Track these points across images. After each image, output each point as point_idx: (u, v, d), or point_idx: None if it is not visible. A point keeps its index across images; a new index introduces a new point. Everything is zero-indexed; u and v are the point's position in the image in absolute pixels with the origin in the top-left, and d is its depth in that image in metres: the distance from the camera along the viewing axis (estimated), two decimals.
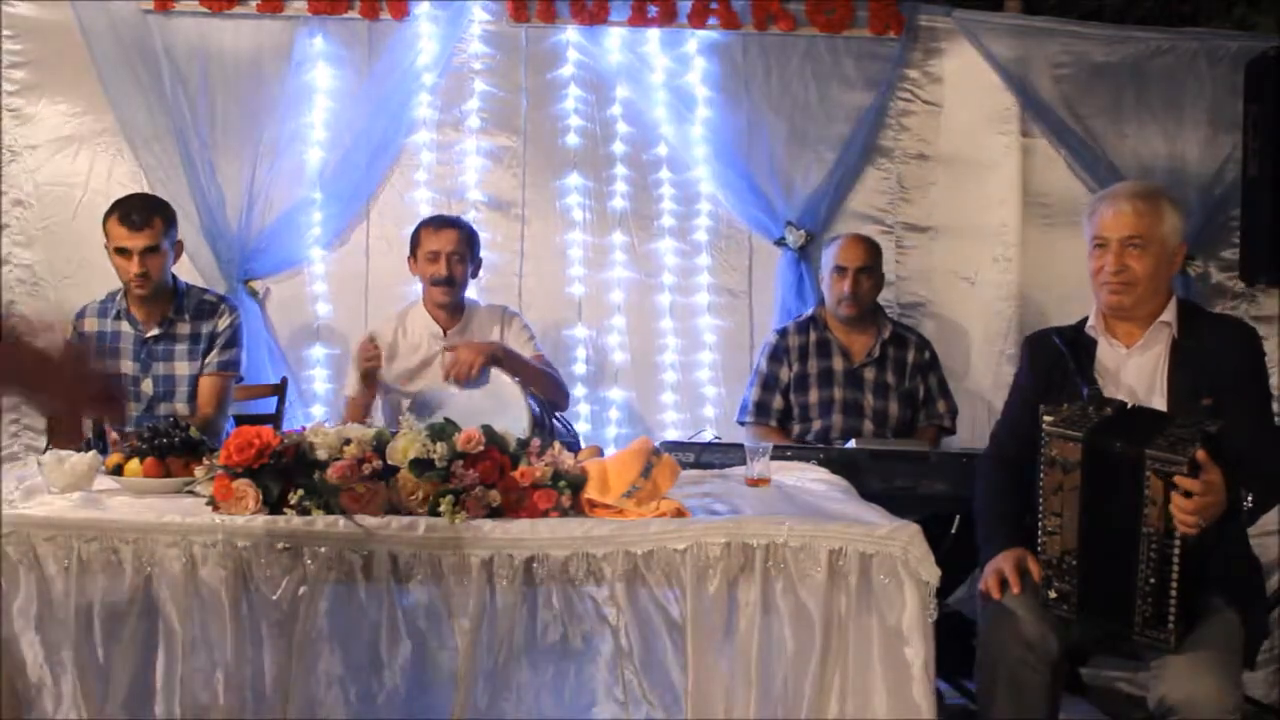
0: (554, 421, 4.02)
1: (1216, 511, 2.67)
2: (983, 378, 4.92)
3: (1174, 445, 2.66)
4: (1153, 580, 2.71)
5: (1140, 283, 3.10)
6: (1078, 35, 4.94)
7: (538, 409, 3.75)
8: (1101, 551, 2.82)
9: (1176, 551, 2.68)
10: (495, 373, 3.82)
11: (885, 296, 4.79)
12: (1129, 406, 2.97)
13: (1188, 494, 2.64)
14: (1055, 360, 3.21)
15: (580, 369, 4.95)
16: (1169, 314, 3.13)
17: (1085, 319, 3.24)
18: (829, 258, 4.45)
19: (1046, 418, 2.87)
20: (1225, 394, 2.98)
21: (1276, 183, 4.27)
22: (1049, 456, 2.85)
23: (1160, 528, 2.68)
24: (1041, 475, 2.88)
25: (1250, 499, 2.83)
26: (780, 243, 4.88)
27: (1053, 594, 2.90)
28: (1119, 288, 3.12)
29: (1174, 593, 2.70)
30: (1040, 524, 2.90)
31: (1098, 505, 2.80)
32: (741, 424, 4.54)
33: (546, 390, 4.07)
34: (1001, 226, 4.97)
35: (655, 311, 5.00)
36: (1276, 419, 3.53)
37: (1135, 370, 3.12)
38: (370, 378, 4.13)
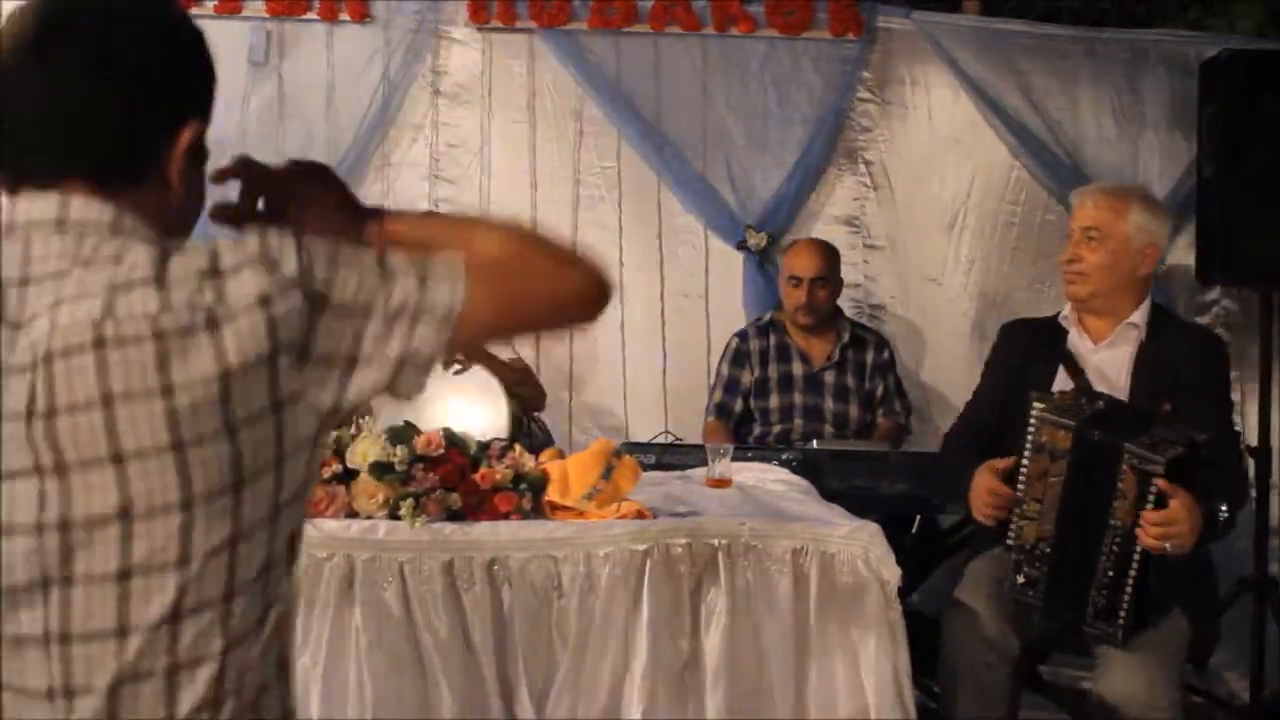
0: (533, 426, 4.02)
1: (1186, 541, 2.68)
2: (948, 378, 4.93)
3: (1155, 445, 2.68)
4: (1111, 573, 2.74)
5: (1092, 275, 3.14)
6: (1036, 36, 4.96)
7: (518, 413, 3.73)
8: (1074, 541, 2.84)
9: (1138, 550, 2.70)
10: (476, 375, 3.77)
11: (853, 297, 4.80)
12: (1120, 402, 3.00)
13: (1161, 503, 2.65)
14: (1029, 347, 3.28)
15: (540, 372, 4.92)
16: (1139, 316, 3.16)
17: (1060, 311, 3.30)
18: (784, 266, 4.44)
19: (1038, 405, 2.89)
20: (1186, 400, 3.02)
21: (1230, 184, 4.30)
22: (1037, 442, 2.87)
23: (1128, 523, 2.70)
24: (1026, 461, 2.89)
25: (1225, 509, 2.85)
26: (741, 246, 4.87)
27: (1020, 579, 2.91)
28: (1072, 277, 3.19)
29: (1129, 589, 2.72)
30: (1019, 509, 2.91)
31: (1079, 496, 2.83)
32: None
33: (519, 384, 4.05)
34: (965, 228, 4.98)
35: (611, 314, 4.95)
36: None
37: (1100, 366, 3.16)
38: None
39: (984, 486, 3.00)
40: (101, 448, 1.13)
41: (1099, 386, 3.13)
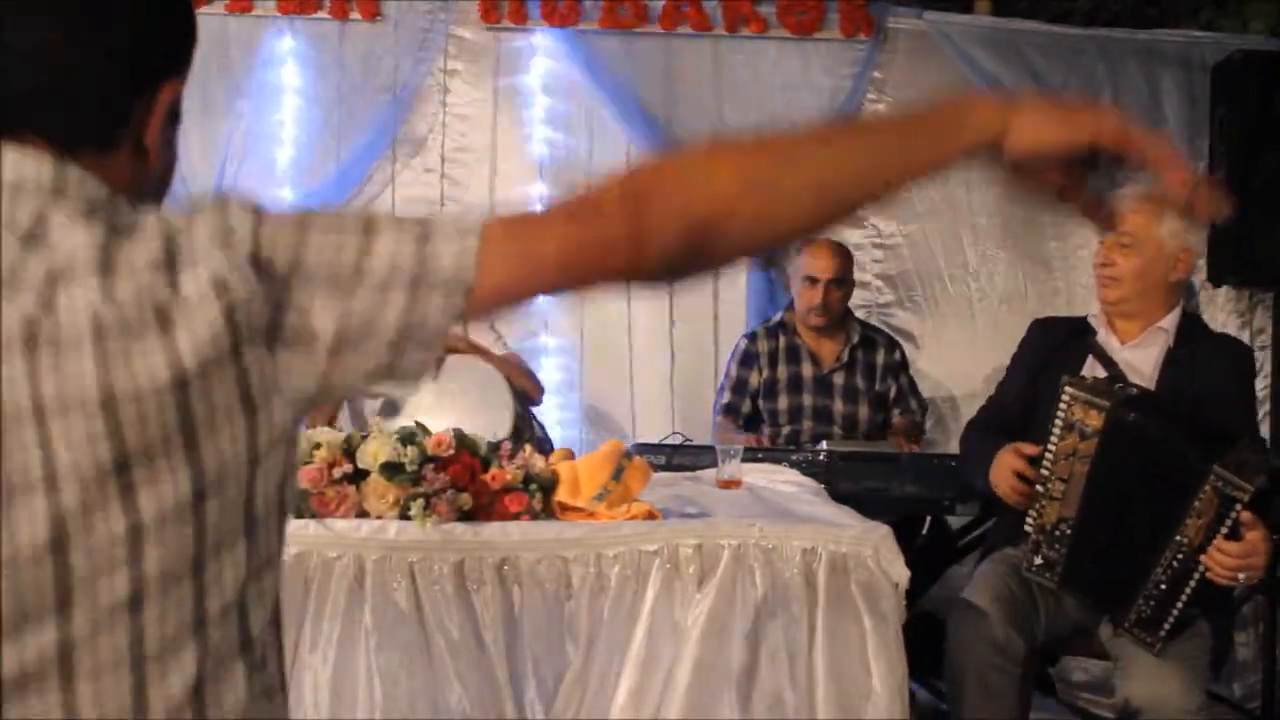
0: (533, 420, 4.02)
1: (1258, 574, 2.71)
2: (959, 379, 4.93)
3: (1241, 469, 2.67)
4: (1164, 586, 2.74)
5: (1124, 280, 3.15)
6: (1049, 36, 4.96)
7: (522, 409, 3.74)
8: (1102, 528, 2.85)
9: (1200, 569, 2.70)
10: (481, 372, 3.77)
11: (864, 298, 4.79)
12: (1154, 394, 3.01)
13: (1235, 530, 2.66)
14: (1058, 343, 3.29)
15: (545, 375, 4.92)
16: (1168, 322, 3.17)
17: (1090, 311, 3.35)
18: (799, 266, 4.43)
19: (1070, 385, 2.90)
20: (1212, 407, 3.02)
21: (1243, 185, 4.29)
22: (1068, 420, 2.88)
23: (1195, 542, 2.70)
24: (1054, 441, 2.90)
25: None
26: None
27: (1038, 560, 2.92)
28: (1105, 281, 3.21)
29: (1180, 606, 2.73)
30: (1043, 487, 2.92)
31: (1108, 479, 2.84)
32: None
33: (522, 382, 4.06)
34: (977, 228, 4.97)
35: (619, 316, 4.98)
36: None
37: (1127, 365, 3.17)
38: None
39: (1008, 464, 3.04)
40: (31, 472, 0.94)
41: None
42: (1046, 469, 2.92)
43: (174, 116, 1.15)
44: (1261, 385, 4.69)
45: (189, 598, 0.99)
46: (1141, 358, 3.17)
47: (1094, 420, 2.85)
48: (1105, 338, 3.23)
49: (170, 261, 0.97)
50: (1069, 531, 2.89)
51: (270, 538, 1.05)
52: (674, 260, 1.07)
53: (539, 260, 1.06)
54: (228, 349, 0.97)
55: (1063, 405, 2.90)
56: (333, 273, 1.01)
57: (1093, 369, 3.15)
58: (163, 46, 1.12)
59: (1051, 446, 2.91)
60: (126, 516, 0.95)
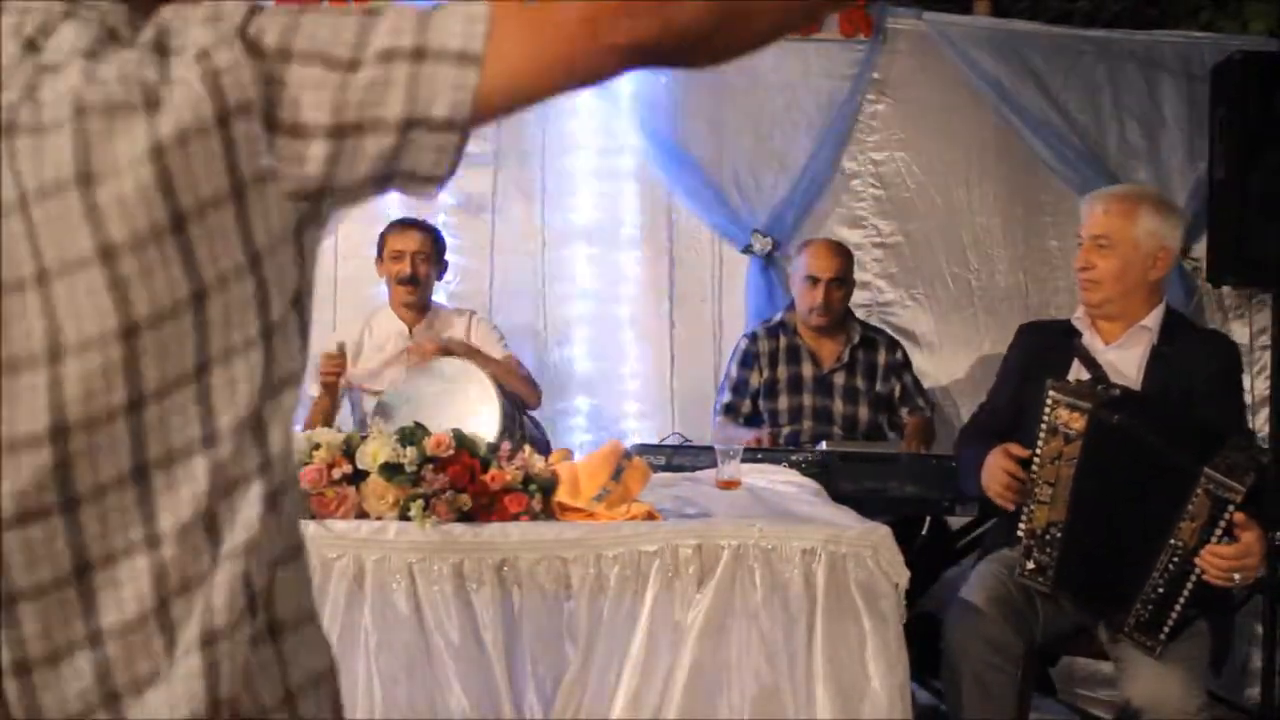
0: (525, 421, 4.02)
1: (1254, 574, 2.71)
2: (960, 379, 4.93)
3: (1232, 470, 2.67)
4: (1161, 589, 2.74)
5: (1105, 281, 3.15)
6: (1049, 37, 4.95)
7: (510, 409, 3.73)
8: (1091, 531, 2.85)
9: (1197, 572, 2.70)
10: (467, 373, 3.78)
11: (865, 297, 4.79)
12: (1136, 393, 3.01)
13: (1230, 530, 2.66)
14: (1043, 346, 3.30)
15: (545, 375, 4.93)
16: (1152, 320, 3.17)
17: (1075, 313, 3.34)
18: (800, 265, 4.43)
19: (1053, 388, 2.91)
20: (1199, 403, 3.02)
21: (1243, 185, 4.29)
22: (1051, 424, 2.89)
23: (1190, 544, 2.70)
24: (1040, 444, 2.91)
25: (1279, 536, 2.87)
26: (747, 250, 4.87)
27: (1030, 565, 2.92)
28: (1086, 284, 3.22)
29: (1179, 607, 2.73)
30: (1031, 494, 2.93)
31: (1094, 481, 2.84)
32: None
33: (517, 386, 4.07)
34: (976, 228, 4.97)
35: (620, 318, 4.98)
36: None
37: (1112, 364, 3.17)
38: (331, 389, 4.12)
39: (998, 465, 3.05)
40: (22, 266, 0.85)
41: None
42: (1034, 473, 2.93)
43: None
44: (1262, 385, 4.71)
45: (193, 405, 0.89)
46: (1126, 358, 3.18)
47: (1077, 423, 2.85)
48: (1090, 339, 3.24)
49: (161, 47, 0.89)
50: (1059, 535, 2.89)
51: (290, 352, 0.95)
52: (704, 24, 0.95)
53: (559, 27, 0.95)
54: (210, 117, 0.87)
55: (1046, 409, 2.90)
56: (327, 50, 0.91)
57: (1078, 371, 3.16)
58: None
59: (1038, 451, 2.92)
60: (118, 313, 0.86)
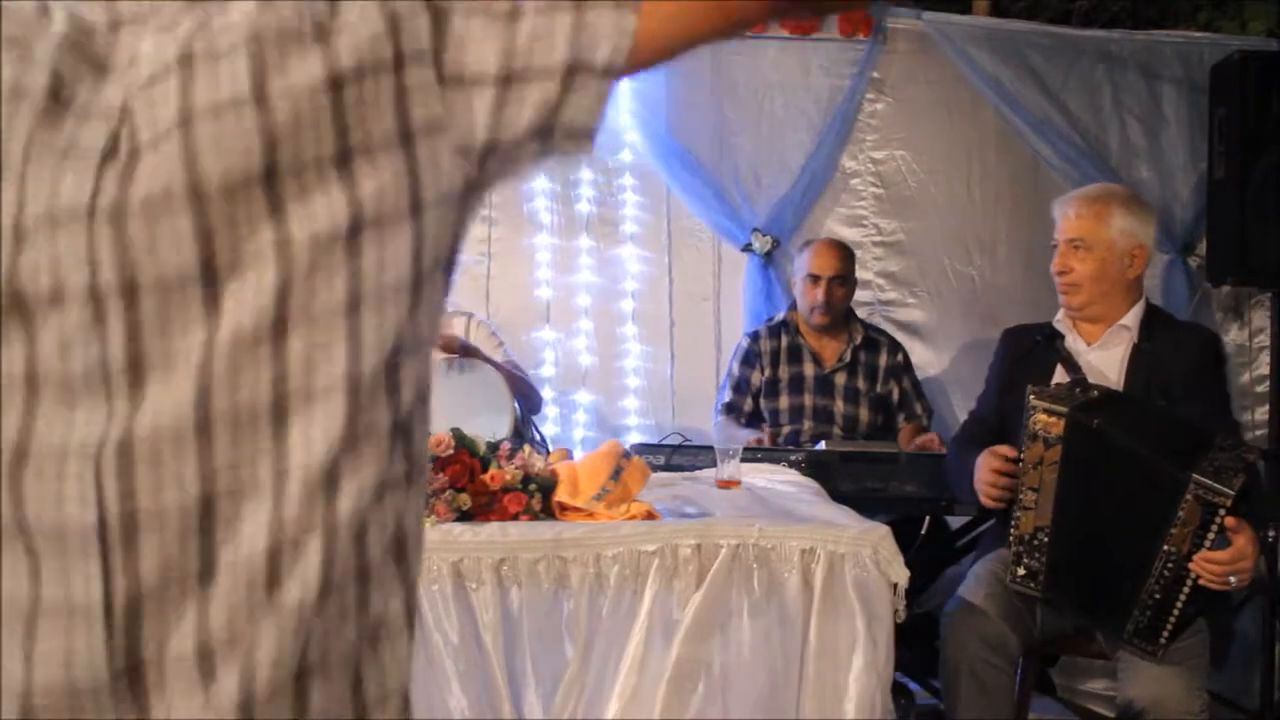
0: (533, 427, 4.02)
1: (1248, 576, 2.71)
2: (961, 377, 4.92)
3: (1219, 472, 2.67)
4: (1158, 595, 2.74)
5: (1084, 284, 3.17)
6: (1048, 37, 4.95)
7: (520, 414, 3.74)
8: (1078, 535, 2.85)
9: (1192, 577, 2.70)
10: (481, 374, 3.77)
11: (865, 297, 4.79)
12: (1116, 392, 3.02)
13: (1222, 533, 2.66)
14: (1027, 351, 3.31)
15: (547, 372, 4.93)
16: (1131, 318, 3.18)
17: (1056, 315, 3.34)
18: (802, 264, 4.43)
19: (1033, 394, 2.91)
20: (1184, 397, 3.03)
21: (1242, 185, 4.29)
22: (1031, 430, 2.89)
23: (1183, 550, 2.70)
24: (1023, 450, 2.91)
25: (1273, 534, 2.87)
26: (747, 249, 4.87)
27: (1021, 571, 2.92)
28: (1065, 288, 3.24)
29: (1177, 613, 2.73)
30: (1017, 500, 2.93)
31: (1076, 485, 2.84)
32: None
33: (519, 389, 4.07)
34: (977, 227, 4.97)
35: (620, 315, 4.98)
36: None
37: (1094, 365, 3.18)
38: None
39: (987, 466, 3.07)
40: (178, 181, 0.82)
41: None
42: (1019, 479, 2.94)
43: None
44: (1262, 385, 4.71)
45: (341, 345, 0.86)
46: (1107, 358, 3.19)
47: (1056, 427, 2.86)
48: (1073, 342, 3.25)
49: None
50: (1046, 540, 2.89)
51: (431, 313, 0.92)
52: None
53: None
54: (389, 58, 0.86)
55: (1026, 414, 2.91)
56: (493, 5, 0.89)
57: (1062, 375, 3.16)
58: None
59: (1021, 457, 2.92)
60: (275, 232, 0.83)
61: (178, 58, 0.83)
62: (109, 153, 0.84)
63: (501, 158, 0.91)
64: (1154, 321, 3.23)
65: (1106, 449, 2.81)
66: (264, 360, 0.84)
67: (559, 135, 0.92)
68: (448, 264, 0.93)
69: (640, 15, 0.89)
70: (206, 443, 0.83)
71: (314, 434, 0.85)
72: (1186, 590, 2.72)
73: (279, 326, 0.84)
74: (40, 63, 0.86)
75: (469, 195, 0.92)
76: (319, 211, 0.83)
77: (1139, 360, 3.15)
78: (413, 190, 0.87)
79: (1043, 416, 2.88)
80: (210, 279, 0.83)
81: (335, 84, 0.84)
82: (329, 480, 0.86)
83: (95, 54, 0.87)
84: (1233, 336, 4.81)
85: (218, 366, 0.83)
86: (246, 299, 0.83)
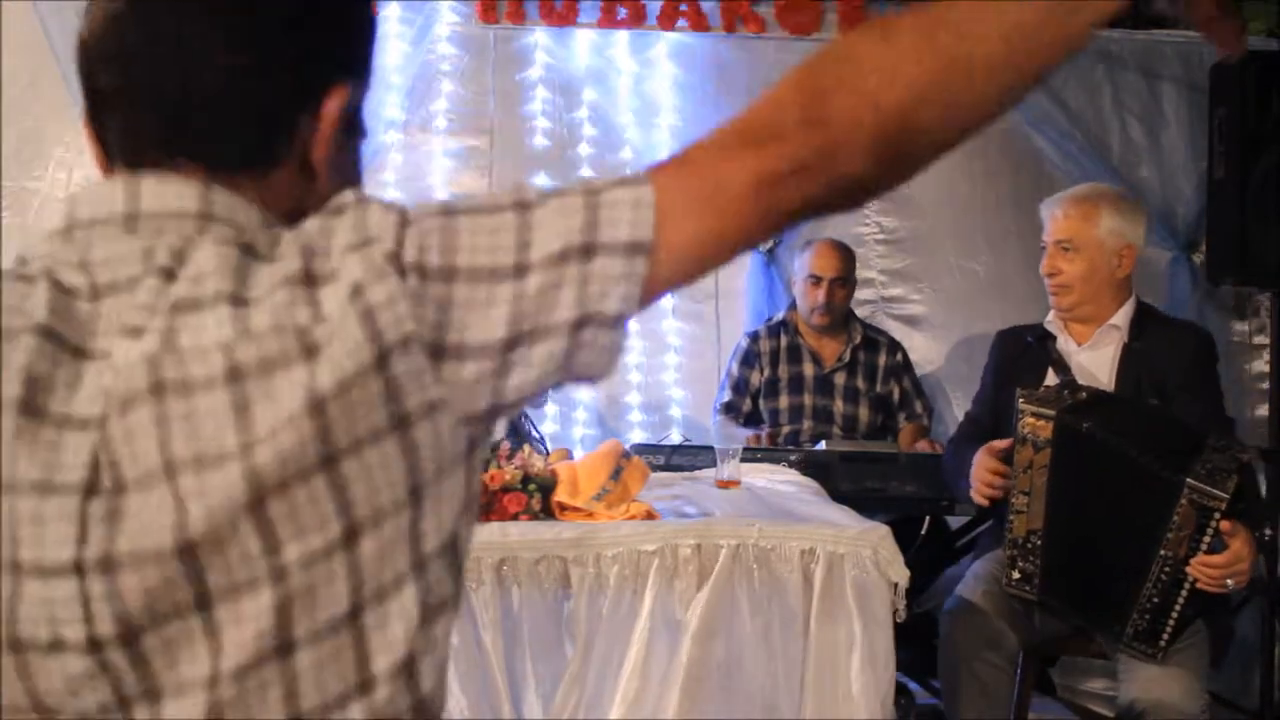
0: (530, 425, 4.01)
1: (1246, 577, 2.71)
2: (965, 374, 4.91)
3: (1213, 475, 2.66)
4: (1156, 599, 2.73)
5: (1074, 285, 3.18)
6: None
7: (519, 412, 3.73)
8: (1071, 538, 2.85)
9: (1189, 581, 2.70)
10: None
11: (871, 292, 4.79)
12: (1104, 393, 3.02)
13: (1220, 544, 2.66)
14: (1020, 352, 3.31)
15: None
16: (1120, 318, 3.18)
17: (1047, 315, 3.35)
18: (803, 265, 4.42)
19: (1022, 398, 2.91)
20: (1176, 396, 3.03)
21: (1242, 185, 4.29)
22: (1021, 434, 2.89)
23: (1180, 554, 2.70)
24: (1015, 454, 2.91)
25: (1269, 533, 2.87)
26: None
27: (1015, 574, 2.92)
28: (1055, 289, 3.24)
29: (1175, 616, 2.72)
30: (1009, 503, 2.93)
31: (1067, 488, 2.84)
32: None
33: None
34: (980, 223, 4.96)
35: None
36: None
37: (1084, 366, 3.19)
38: None
39: (982, 465, 3.07)
40: (167, 539, 0.81)
41: None
42: (1011, 483, 2.94)
43: (351, 128, 0.98)
44: (1262, 385, 4.70)
45: (349, 651, 0.84)
46: (1098, 358, 3.19)
47: (1044, 430, 2.86)
48: (1064, 342, 3.26)
49: (309, 277, 0.83)
50: (1039, 543, 2.89)
51: (443, 578, 0.90)
52: (871, 170, 0.90)
53: (729, 202, 0.88)
54: (370, 361, 0.82)
55: (1016, 416, 2.91)
56: (493, 262, 0.85)
57: (1053, 376, 3.17)
58: (325, 45, 0.96)
59: (1014, 459, 2.93)
60: (268, 559, 0.82)
61: (149, 385, 0.81)
62: (90, 487, 0.82)
63: (509, 409, 0.90)
64: (1145, 320, 3.23)
65: (1096, 451, 2.80)
66: (271, 681, 0.83)
67: (567, 384, 0.90)
68: (455, 522, 0.91)
69: (652, 258, 0.86)
70: None
71: None
72: (1184, 593, 2.71)
73: (283, 646, 0.83)
74: (14, 368, 0.84)
75: (475, 450, 0.89)
76: (308, 520, 0.82)
77: (1130, 360, 3.15)
78: (411, 475, 0.84)
79: (1031, 420, 2.88)
80: (205, 604, 0.82)
81: (318, 408, 0.81)
82: None
83: (73, 338, 0.85)
84: (1236, 331, 4.81)
85: (224, 692, 0.82)
86: (246, 622, 0.82)
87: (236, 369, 0.81)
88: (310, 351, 0.81)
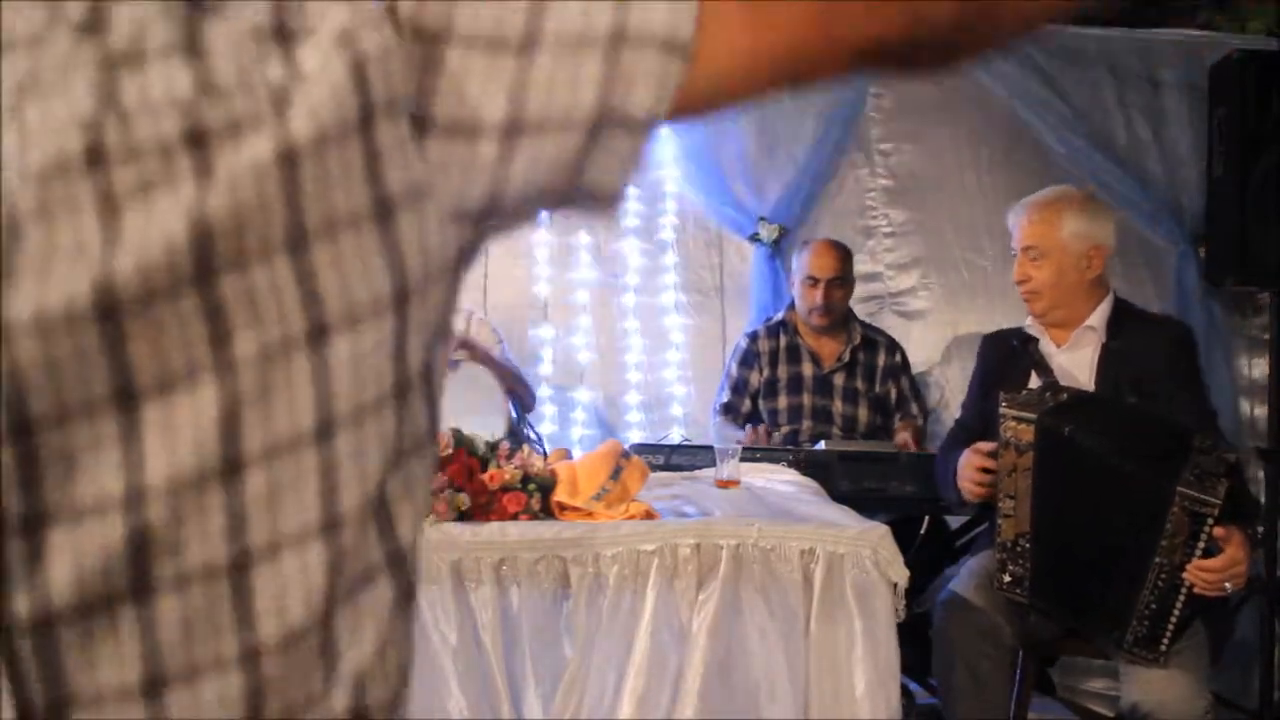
0: (528, 426, 4.02)
1: (1242, 579, 2.71)
2: (968, 370, 4.90)
3: (1203, 480, 2.66)
4: (1154, 605, 2.74)
5: (1043, 291, 3.19)
6: (1049, 35, 4.94)
7: (515, 414, 3.73)
8: (1059, 540, 2.86)
9: (1186, 585, 2.70)
10: (474, 374, 3.77)
11: (874, 288, 4.79)
12: (1085, 393, 3.02)
13: (1215, 548, 2.66)
14: (1005, 355, 3.32)
15: (545, 369, 4.91)
16: (1096, 319, 3.19)
17: (1027, 319, 3.36)
18: (800, 265, 4.42)
19: (1004, 401, 2.92)
20: (1157, 392, 3.03)
21: (1242, 185, 4.29)
22: (1004, 439, 2.90)
23: (1175, 560, 2.70)
24: (999, 458, 2.92)
25: (1261, 530, 2.88)
26: (754, 239, 4.86)
27: (1006, 577, 2.92)
28: (1027, 295, 3.25)
29: (1174, 620, 2.72)
30: (997, 508, 2.94)
31: (1051, 491, 2.85)
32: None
33: (514, 386, 4.06)
34: (982, 219, 4.96)
35: (620, 311, 4.97)
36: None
37: (1064, 367, 3.20)
38: None
39: (968, 463, 3.09)
40: (83, 286, 0.62)
41: None
42: (997, 487, 2.95)
43: None
44: (1262, 384, 4.70)
45: (311, 479, 0.66)
46: (1077, 360, 3.20)
47: (1026, 434, 2.87)
48: (1045, 345, 3.27)
49: (282, 30, 0.66)
50: (1028, 545, 2.89)
51: (420, 416, 0.73)
52: (958, 19, 0.75)
53: (785, 23, 0.73)
54: (354, 117, 0.65)
55: (999, 421, 2.92)
56: (499, 31, 0.69)
57: (1037, 379, 3.17)
58: None
59: (999, 464, 2.94)
60: (212, 349, 0.63)
61: (85, 151, 0.63)
62: None
63: (504, 216, 0.74)
64: (1123, 318, 3.23)
65: (1079, 455, 2.81)
66: (211, 507, 0.64)
67: (578, 197, 0.75)
68: (433, 349, 0.75)
69: (690, 64, 0.70)
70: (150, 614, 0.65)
71: (291, 597, 0.67)
72: (1182, 598, 2.72)
73: (229, 463, 0.65)
74: None
75: (462, 265, 0.75)
76: (267, 311, 0.64)
77: (1108, 359, 3.15)
78: (395, 272, 0.68)
79: (1013, 424, 2.88)
80: (127, 405, 0.63)
81: (289, 159, 0.64)
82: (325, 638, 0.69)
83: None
84: (1240, 325, 4.81)
85: (149, 514, 0.63)
86: (181, 428, 0.64)
87: (199, 131, 0.64)
88: (282, 106, 0.64)
